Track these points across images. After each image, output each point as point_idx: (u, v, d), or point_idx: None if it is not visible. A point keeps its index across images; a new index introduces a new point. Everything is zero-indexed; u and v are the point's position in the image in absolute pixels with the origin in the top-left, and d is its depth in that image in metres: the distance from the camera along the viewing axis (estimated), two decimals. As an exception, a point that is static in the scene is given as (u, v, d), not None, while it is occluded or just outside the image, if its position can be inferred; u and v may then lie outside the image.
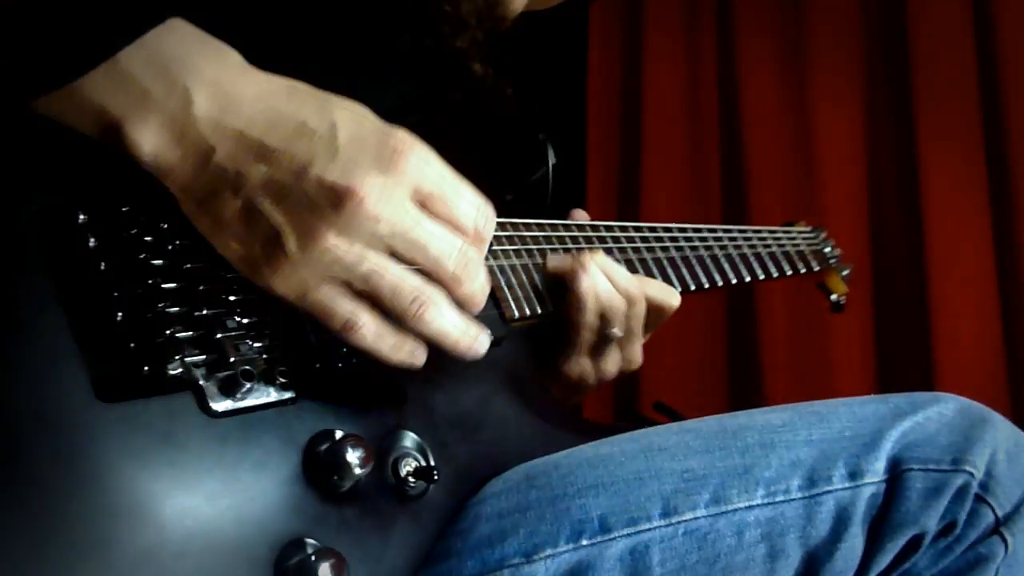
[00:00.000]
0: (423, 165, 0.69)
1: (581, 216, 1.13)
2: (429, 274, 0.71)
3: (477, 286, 0.73)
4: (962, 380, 2.05)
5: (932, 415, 0.82)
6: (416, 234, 0.69)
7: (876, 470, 0.79)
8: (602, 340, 1.02)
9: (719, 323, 2.32)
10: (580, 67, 2.22)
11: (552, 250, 1.01)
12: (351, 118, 0.68)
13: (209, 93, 0.65)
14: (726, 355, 2.31)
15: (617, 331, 1.01)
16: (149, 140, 0.64)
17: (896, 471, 0.78)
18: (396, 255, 0.69)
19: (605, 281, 0.99)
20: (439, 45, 0.95)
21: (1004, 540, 0.77)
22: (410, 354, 0.72)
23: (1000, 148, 2.20)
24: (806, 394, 2.15)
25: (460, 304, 0.73)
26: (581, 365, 1.04)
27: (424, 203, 0.70)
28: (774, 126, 2.33)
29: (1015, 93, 2.18)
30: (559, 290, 0.99)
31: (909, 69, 2.26)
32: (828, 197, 2.24)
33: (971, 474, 0.77)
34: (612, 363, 1.05)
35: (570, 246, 1.03)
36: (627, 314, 1.01)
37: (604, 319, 1.00)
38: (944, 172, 2.20)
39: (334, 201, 0.65)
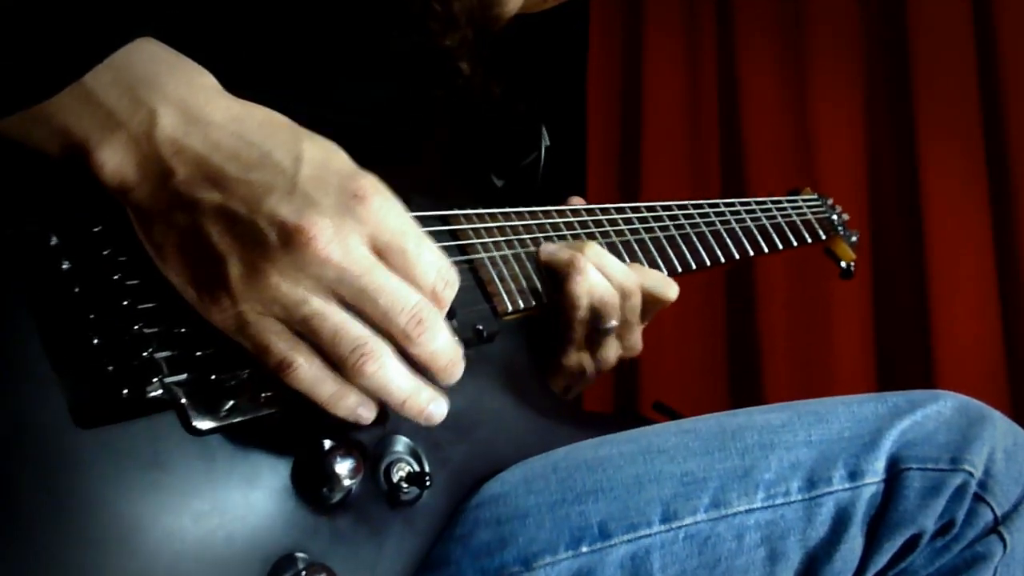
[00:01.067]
0: (385, 214, 0.65)
1: (578, 204, 1.11)
2: (381, 327, 0.66)
3: (437, 347, 0.68)
4: (962, 379, 2.04)
5: (931, 413, 0.81)
6: (365, 282, 0.64)
7: (876, 470, 0.78)
8: (598, 333, 1.00)
9: (719, 322, 2.31)
10: (580, 66, 2.22)
11: (546, 238, 0.99)
12: (319, 156, 0.65)
13: (175, 114, 0.64)
14: (726, 354, 2.30)
15: (613, 323, 0.99)
16: (112, 160, 0.63)
17: (895, 470, 0.78)
18: (343, 303, 0.65)
19: (599, 277, 0.97)
20: (428, 43, 0.94)
21: (1002, 539, 0.77)
22: (354, 407, 0.68)
23: (1000, 148, 2.20)
24: (806, 393, 2.14)
25: (420, 366, 0.68)
26: (579, 357, 1.02)
27: (381, 253, 0.66)
28: (774, 126, 2.32)
29: (1015, 93, 2.18)
30: (553, 282, 0.97)
31: (909, 69, 2.26)
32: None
33: (970, 473, 0.77)
34: (611, 352, 1.04)
35: (564, 233, 1.01)
36: (623, 306, 1.00)
37: (598, 313, 0.98)
38: (944, 172, 2.20)
39: (283, 238, 0.62)
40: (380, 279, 0.65)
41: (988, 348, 2.12)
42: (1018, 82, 2.17)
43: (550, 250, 0.98)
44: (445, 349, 0.69)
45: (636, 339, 1.05)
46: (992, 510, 0.77)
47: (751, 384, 2.23)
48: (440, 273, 0.68)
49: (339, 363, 0.65)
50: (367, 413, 0.68)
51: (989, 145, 2.21)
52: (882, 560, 0.77)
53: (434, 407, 0.70)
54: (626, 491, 0.80)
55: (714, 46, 2.40)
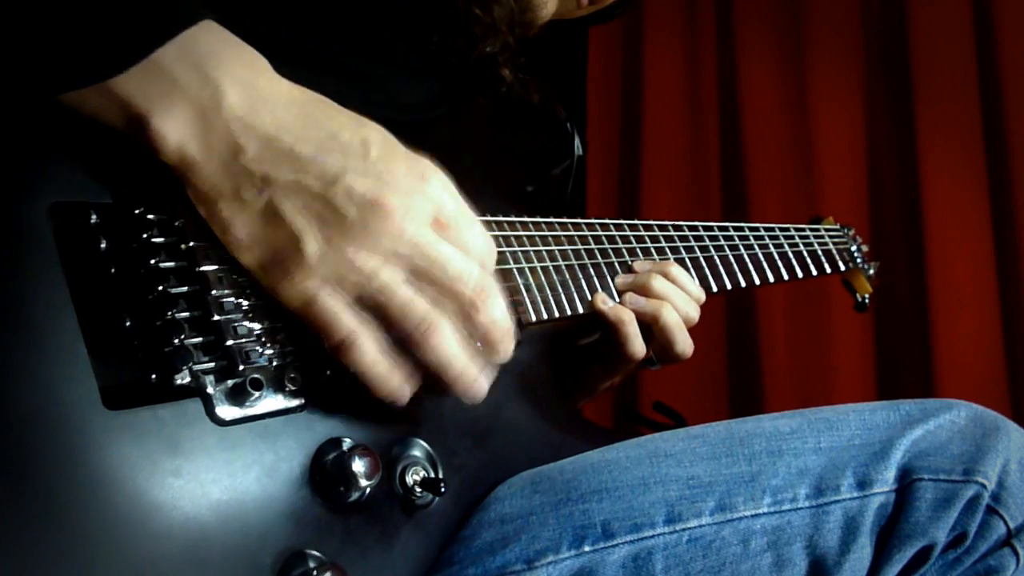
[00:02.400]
0: (444, 193, 0.70)
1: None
2: (448, 295, 0.70)
3: (498, 314, 0.72)
4: (962, 381, 2.04)
5: (944, 423, 0.81)
6: (436, 252, 0.68)
7: (885, 479, 0.78)
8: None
9: (719, 323, 2.31)
10: (580, 67, 2.22)
11: (575, 251, 1.00)
12: (381, 138, 0.69)
13: (241, 91, 0.65)
14: (726, 355, 2.30)
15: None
16: (175, 132, 0.64)
17: (906, 481, 0.78)
18: (414, 273, 0.69)
19: (676, 317, 1.04)
20: (471, 47, 0.95)
21: (1015, 552, 0.77)
22: (398, 388, 0.71)
23: (1000, 148, 2.19)
24: (806, 393, 2.16)
25: (480, 335, 0.72)
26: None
27: (441, 229, 0.70)
28: (774, 126, 2.32)
29: (1015, 93, 2.17)
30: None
31: (909, 69, 2.25)
32: (828, 197, 2.23)
33: (983, 485, 0.77)
34: None
35: (592, 247, 1.02)
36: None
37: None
38: (944, 172, 2.20)
39: (362, 212, 0.65)
40: (448, 250, 0.69)
41: (988, 349, 2.12)
42: (1018, 82, 2.17)
43: (634, 301, 1.03)
44: (504, 319, 0.73)
45: None
46: (1005, 523, 0.77)
47: (751, 386, 2.23)
48: (488, 246, 0.73)
49: (405, 336, 0.69)
50: (407, 394, 0.71)
51: (989, 145, 2.21)
52: (892, 571, 0.77)
53: (481, 383, 0.73)
54: (631, 492, 0.80)
55: (714, 46, 2.40)
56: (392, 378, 0.70)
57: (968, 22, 2.25)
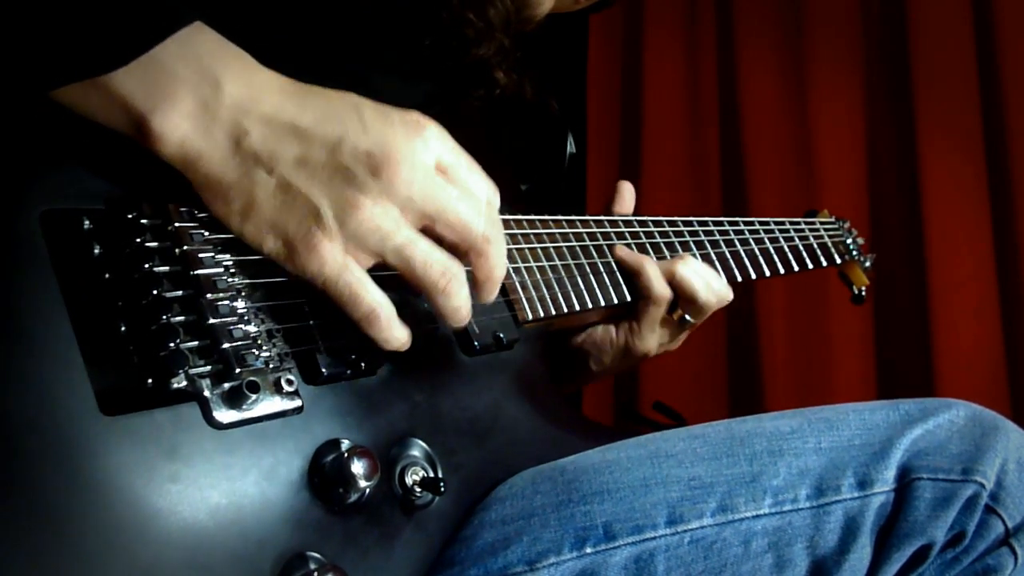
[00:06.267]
0: (442, 139, 0.72)
1: (627, 190, 1.18)
2: (458, 239, 0.72)
3: (500, 258, 0.75)
4: (962, 380, 2.04)
5: (943, 422, 0.81)
6: (446, 195, 0.70)
7: (885, 479, 0.78)
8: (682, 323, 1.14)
9: (719, 322, 2.31)
10: (580, 66, 2.22)
11: (570, 249, 0.99)
12: (372, 103, 0.70)
13: (238, 82, 0.66)
14: (726, 354, 2.30)
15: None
16: (177, 128, 0.64)
17: (905, 480, 0.78)
18: (427, 220, 0.70)
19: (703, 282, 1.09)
20: (463, 51, 0.95)
21: (1014, 551, 0.77)
22: (407, 341, 0.73)
23: (1000, 147, 2.19)
24: (806, 393, 2.16)
25: (483, 276, 0.75)
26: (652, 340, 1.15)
27: (443, 172, 0.72)
28: (774, 126, 2.32)
29: (1015, 93, 2.17)
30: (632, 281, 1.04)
31: (909, 69, 2.25)
32: (828, 197, 2.23)
33: (981, 484, 0.77)
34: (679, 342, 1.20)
35: (588, 244, 1.02)
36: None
37: (699, 309, 1.12)
38: (944, 171, 2.20)
39: (371, 167, 0.67)
40: (455, 193, 0.72)
41: (988, 348, 2.12)
42: (1018, 82, 2.17)
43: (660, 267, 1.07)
44: (504, 261, 0.76)
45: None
46: (1003, 522, 0.77)
47: (751, 385, 2.23)
48: (488, 183, 0.76)
49: (428, 288, 0.71)
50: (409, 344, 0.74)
51: (989, 145, 2.21)
52: (891, 571, 0.77)
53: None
54: (632, 493, 0.79)
55: (714, 46, 2.40)
56: (401, 337, 0.72)
57: (968, 22, 2.24)
